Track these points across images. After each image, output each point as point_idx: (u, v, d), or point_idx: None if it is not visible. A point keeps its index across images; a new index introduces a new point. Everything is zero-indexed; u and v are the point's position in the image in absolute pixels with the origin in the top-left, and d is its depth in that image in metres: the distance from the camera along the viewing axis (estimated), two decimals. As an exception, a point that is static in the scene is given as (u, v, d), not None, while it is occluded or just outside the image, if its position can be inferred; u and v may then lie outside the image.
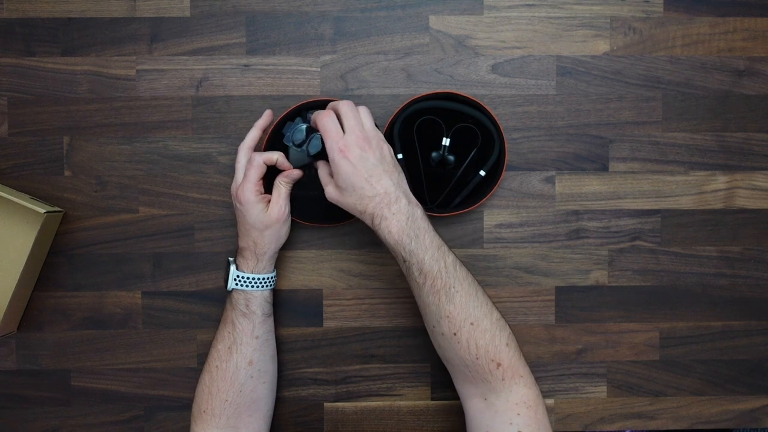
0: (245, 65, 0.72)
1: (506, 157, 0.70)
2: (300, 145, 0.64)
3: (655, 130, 0.74)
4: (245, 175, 0.64)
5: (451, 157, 0.70)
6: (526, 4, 0.73)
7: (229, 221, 0.73)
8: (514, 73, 0.73)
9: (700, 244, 0.74)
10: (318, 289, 0.74)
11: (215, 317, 0.73)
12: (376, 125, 0.62)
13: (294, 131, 0.65)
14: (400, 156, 0.68)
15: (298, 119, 0.67)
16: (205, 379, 0.65)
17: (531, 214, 0.74)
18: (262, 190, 0.65)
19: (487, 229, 0.74)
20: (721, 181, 0.74)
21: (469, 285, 0.59)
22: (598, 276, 0.74)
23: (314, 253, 0.73)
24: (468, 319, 0.58)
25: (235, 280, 0.65)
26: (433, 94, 0.70)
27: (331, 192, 0.61)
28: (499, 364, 0.58)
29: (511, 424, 0.56)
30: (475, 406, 0.60)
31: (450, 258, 0.59)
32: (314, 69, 0.72)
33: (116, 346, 0.73)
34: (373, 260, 0.73)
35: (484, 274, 0.74)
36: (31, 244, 0.66)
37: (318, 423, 0.74)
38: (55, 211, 0.69)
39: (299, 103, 0.70)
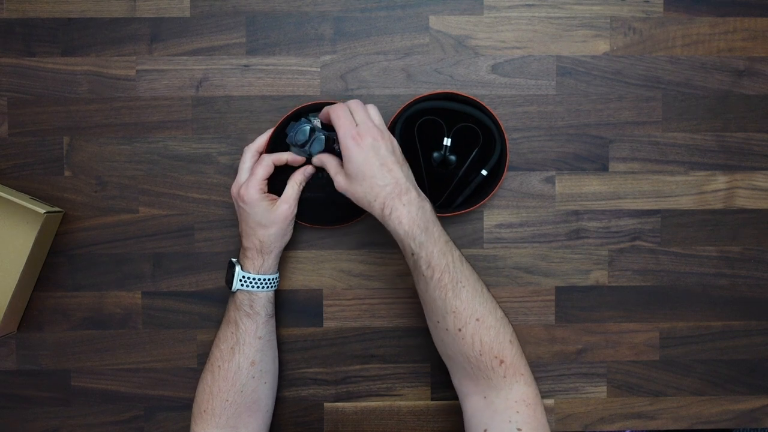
0: (245, 65, 0.72)
1: (508, 157, 0.70)
2: (303, 146, 0.65)
3: (655, 130, 0.74)
4: (252, 173, 0.65)
5: (452, 157, 0.70)
6: (526, 4, 0.73)
7: (229, 221, 0.73)
8: (514, 73, 0.73)
9: (700, 244, 0.74)
10: (318, 289, 0.74)
11: (215, 317, 0.73)
12: None
13: (297, 132, 0.65)
14: (400, 156, 0.68)
15: (302, 120, 0.67)
16: (207, 378, 0.65)
17: (531, 214, 0.74)
18: (266, 189, 0.66)
19: (487, 229, 0.74)
20: (721, 181, 0.74)
21: (475, 281, 0.59)
22: (598, 276, 0.74)
23: (314, 254, 0.73)
24: (474, 315, 0.58)
25: (240, 280, 0.65)
26: (433, 94, 0.70)
27: (341, 182, 0.61)
28: (502, 361, 0.58)
29: (510, 422, 0.56)
30: (474, 403, 0.59)
31: (456, 253, 0.59)
32: (314, 69, 0.72)
33: (116, 346, 0.73)
34: (373, 260, 0.73)
35: (485, 274, 0.74)
36: (31, 244, 0.66)
37: (318, 423, 0.74)
38: (55, 212, 0.69)
39: (300, 106, 0.70)
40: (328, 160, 0.63)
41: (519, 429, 0.56)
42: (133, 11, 0.71)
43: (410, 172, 0.62)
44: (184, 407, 0.73)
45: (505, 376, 0.58)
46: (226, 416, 0.64)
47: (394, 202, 0.58)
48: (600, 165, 0.74)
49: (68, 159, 0.72)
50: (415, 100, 0.69)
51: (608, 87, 0.73)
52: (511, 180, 0.73)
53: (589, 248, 0.74)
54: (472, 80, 0.73)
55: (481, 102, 0.70)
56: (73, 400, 0.73)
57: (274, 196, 0.66)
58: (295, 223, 0.68)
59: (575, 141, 0.73)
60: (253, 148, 0.67)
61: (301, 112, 0.69)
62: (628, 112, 0.73)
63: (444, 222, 0.72)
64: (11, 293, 0.66)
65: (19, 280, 0.66)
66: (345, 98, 0.72)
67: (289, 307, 0.73)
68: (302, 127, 0.65)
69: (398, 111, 0.69)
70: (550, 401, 0.75)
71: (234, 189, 0.66)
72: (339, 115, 0.61)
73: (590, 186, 0.74)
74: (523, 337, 0.74)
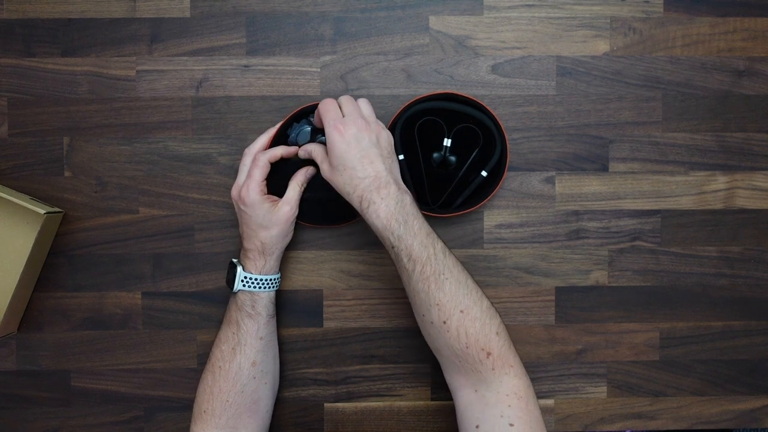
0: (245, 66, 0.72)
1: (508, 157, 0.69)
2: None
3: (655, 130, 0.74)
4: (249, 175, 0.65)
5: (452, 158, 0.70)
6: (526, 5, 0.73)
7: (229, 222, 0.73)
8: (514, 73, 0.73)
9: (700, 244, 0.74)
10: (318, 289, 0.74)
11: (215, 318, 0.73)
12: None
13: (299, 132, 0.66)
14: (401, 157, 0.68)
15: (303, 120, 0.67)
16: (208, 379, 0.65)
17: (531, 214, 0.74)
18: (266, 190, 0.66)
19: (487, 230, 0.74)
20: (721, 181, 0.74)
21: (459, 272, 0.59)
22: (598, 276, 0.74)
23: (314, 254, 0.73)
24: (458, 307, 0.57)
25: (242, 281, 0.65)
26: (434, 94, 0.70)
27: (325, 170, 0.62)
28: (489, 353, 0.57)
29: (501, 416, 0.55)
30: (465, 397, 0.58)
31: (439, 245, 0.59)
32: (314, 69, 0.72)
33: (116, 347, 0.73)
34: (373, 261, 0.73)
35: (484, 274, 0.74)
36: (31, 244, 0.66)
37: (318, 423, 0.74)
38: (55, 212, 0.69)
39: (301, 107, 0.70)
40: (314, 149, 0.64)
41: (511, 424, 0.54)
42: (133, 11, 0.71)
43: (396, 166, 0.62)
44: (184, 407, 0.73)
45: (493, 369, 0.57)
46: (226, 417, 0.64)
47: (372, 195, 0.58)
48: (600, 165, 0.74)
49: (68, 159, 0.72)
50: (416, 100, 0.69)
51: (608, 87, 0.73)
52: (511, 180, 0.73)
53: (589, 248, 0.74)
54: (472, 80, 0.73)
55: (481, 102, 0.70)
56: (73, 400, 0.73)
57: (275, 198, 0.66)
58: (296, 223, 0.68)
59: (575, 141, 0.73)
60: (253, 149, 0.67)
61: (303, 113, 0.69)
62: (628, 112, 0.73)
63: (444, 222, 0.73)
64: (11, 293, 0.66)
65: (19, 281, 0.66)
66: (345, 98, 0.72)
67: (289, 308, 0.73)
68: (304, 129, 0.65)
69: (398, 111, 0.69)
70: (550, 401, 0.75)
71: (234, 191, 0.66)
72: (327, 107, 0.61)
73: (590, 186, 0.74)
74: (523, 337, 0.74)
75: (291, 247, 0.72)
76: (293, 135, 0.66)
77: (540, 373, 0.74)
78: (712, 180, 0.74)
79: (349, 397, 0.74)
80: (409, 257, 0.57)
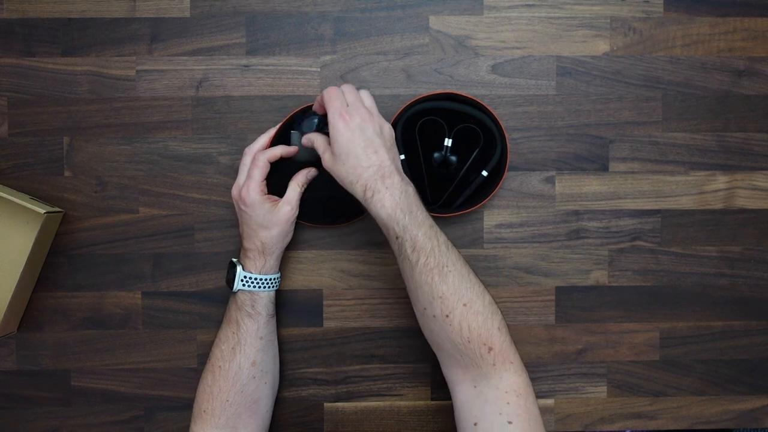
0: (245, 65, 0.72)
1: (508, 157, 0.70)
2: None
3: (655, 130, 0.74)
4: (249, 175, 0.65)
5: (453, 158, 0.70)
6: (526, 4, 0.73)
7: (229, 221, 0.73)
8: (514, 73, 0.73)
9: (700, 244, 0.74)
10: (318, 289, 0.74)
11: (215, 317, 0.73)
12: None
13: (305, 120, 0.66)
14: (402, 157, 0.68)
15: (312, 114, 0.67)
16: (208, 378, 0.65)
17: (531, 214, 0.74)
18: (266, 190, 0.66)
19: (488, 230, 0.74)
20: (721, 181, 0.74)
21: (462, 266, 0.58)
22: (598, 276, 0.74)
23: (314, 254, 0.73)
24: (461, 300, 0.57)
25: (242, 281, 0.65)
26: (434, 94, 0.70)
27: (327, 160, 0.61)
28: (490, 348, 0.57)
29: (500, 414, 0.55)
30: (464, 393, 0.58)
31: (442, 237, 0.59)
32: (314, 69, 0.72)
33: (116, 347, 0.73)
34: (374, 260, 0.73)
35: (485, 274, 0.74)
36: (31, 244, 0.66)
37: (318, 423, 0.74)
38: (55, 212, 0.69)
39: (302, 107, 0.70)
40: (316, 138, 0.63)
41: (510, 422, 0.54)
42: (133, 11, 0.71)
43: (398, 158, 0.61)
44: (184, 407, 0.73)
45: (494, 364, 0.57)
46: (226, 416, 0.64)
47: (377, 185, 0.58)
48: (600, 165, 0.74)
49: (68, 159, 0.72)
50: (416, 100, 0.69)
51: (608, 87, 0.73)
52: (511, 180, 0.73)
53: (589, 248, 0.74)
54: (472, 80, 0.73)
55: (481, 102, 0.70)
56: (73, 400, 0.73)
57: (276, 198, 0.66)
58: (296, 222, 0.68)
59: (575, 141, 0.73)
60: (253, 149, 0.67)
61: (303, 113, 0.69)
62: (628, 112, 0.73)
63: (444, 222, 0.73)
64: (11, 293, 0.66)
65: (19, 280, 0.66)
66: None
67: (289, 307, 0.73)
68: (311, 119, 0.65)
69: (399, 111, 0.69)
70: (550, 401, 0.75)
71: (234, 191, 0.66)
72: (332, 95, 0.61)
73: (590, 186, 0.74)
74: (523, 337, 0.74)
75: (291, 246, 0.72)
76: (300, 126, 0.67)
77: (540, 372, 0.74)
78: (712, 180, 0.74)
79: (349, 397, 0.74)
80: (414, 248, 0.57)
